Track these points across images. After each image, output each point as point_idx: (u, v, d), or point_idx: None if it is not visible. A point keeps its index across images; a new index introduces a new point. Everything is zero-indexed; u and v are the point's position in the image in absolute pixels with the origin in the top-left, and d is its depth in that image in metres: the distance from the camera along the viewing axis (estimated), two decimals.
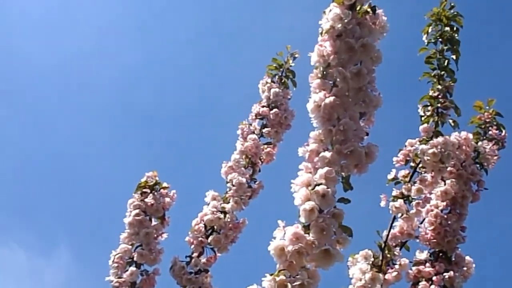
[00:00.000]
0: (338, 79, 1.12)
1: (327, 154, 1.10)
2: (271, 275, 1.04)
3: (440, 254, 1.79)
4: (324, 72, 1.15)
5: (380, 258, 1.67)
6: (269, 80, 2.24)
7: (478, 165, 1.90)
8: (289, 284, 1.02)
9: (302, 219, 1.07)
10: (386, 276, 1.65)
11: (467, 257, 1.82)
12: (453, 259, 1.79)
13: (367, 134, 1.16)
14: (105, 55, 5.15)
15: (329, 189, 1.05)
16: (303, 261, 1.05)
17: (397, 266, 1.68)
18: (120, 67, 5.14)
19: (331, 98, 1.11)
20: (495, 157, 1.92)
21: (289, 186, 1.11)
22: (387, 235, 1.72)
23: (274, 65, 2.26)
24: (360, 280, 1.56)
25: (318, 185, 1.06)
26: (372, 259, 1.62)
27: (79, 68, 5.04)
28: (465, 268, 1.79)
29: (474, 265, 1.82)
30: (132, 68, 5.13)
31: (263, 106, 2.20)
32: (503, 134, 1.97)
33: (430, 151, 1.69)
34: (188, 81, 5.06)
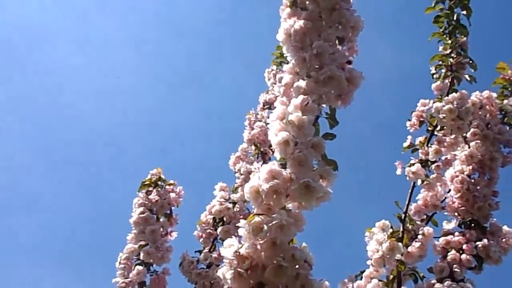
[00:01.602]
0: (307, 1, 1.00)
1: (302, 83, 0.98)
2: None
3: (472, 224, 1.59)
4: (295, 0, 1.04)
5: (401, 230, 1.49)
6: (274, 68, 2.15)
7: (506, 126, 1.71)
8: (265, 226, 0.88)
9: (278, 155, 0.94)
10: (409, 249, 1.47)
11: (505, 227, 1.60)
12: (488, 229, 1.59)
13: (350, 63, 1.03)
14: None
15: (304, 117, 0.93)
16: (282, 201, 0.91)
17: (420, 237, 1.48)
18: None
19: (301, 22, 1.00)
20: None
21: None
22: (407, 205, 1.54)
23: (279, 52, 2.17)
24: (377, 251, 1.39)
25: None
26: (391, 230, 1.44)
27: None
28: (503, 239, 1.58)
29: None
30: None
31: (269, 94, 2.10)
32: None
33: (446, 107, 1.53)
34: (194, 74, 4.95)
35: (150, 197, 1.85)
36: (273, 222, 0.87)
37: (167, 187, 1.91)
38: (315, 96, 0.98)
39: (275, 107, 2.06)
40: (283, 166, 0.94)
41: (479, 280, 1.54)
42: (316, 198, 0.91)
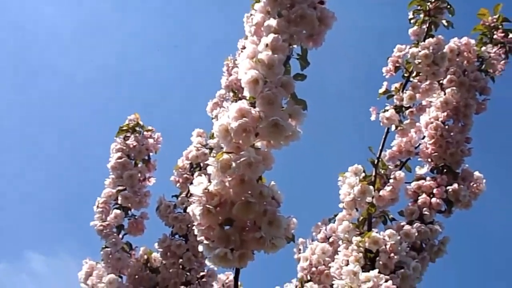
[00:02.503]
0: None
1: (272, 21, 0.97)
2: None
3: (444, 170, 1.62)
4: None
5: (373, 174, 1.51)
6: (254, 12, 2.10)
7: (483, 73, 1.71)
8: (233, 163, 0.89)
9: (247, 93, 0.94)
10: (381, 193, 1.50)
11: (476, 173, 1.64)
12: (460, 174, 1.63)
13: (323, 3, 1.01)
14: None
15: (274, 56, 0.92)
16: (250, 140, 0.91)
17: (392, 181, 1.51)
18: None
19: None
20: (502, 62, 1.73)
21: None
22: (380, 150, 1.56)
23: None
24: (349, 194, 1.42)
25: None
26: (363, 174, 1.47)
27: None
28: (474, 185, 1.62)
29: (484, 181, 1.64)
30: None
31: None
32: (510, 36, 1.77)
33: (421, 53, 1.53)
34: (170, 18, 4.88)
35: (127, 142, 1.85)
36: (241, 160, 0.88)
37: (145, 133, 1.90)
38: (286, 35, 0.96)
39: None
40: (253, 105, 0.94)
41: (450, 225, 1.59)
42: (284, 137, 0.92)
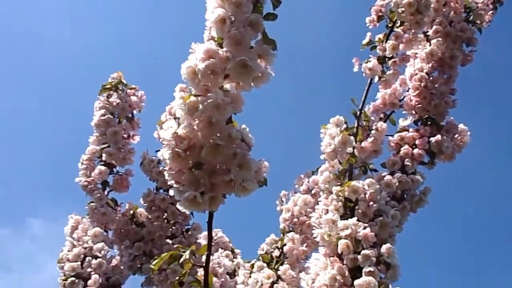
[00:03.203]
0: None
1: None
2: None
3: (428, 122, 1.61)
4: None
5: (355, 126, 1.50)
6: None
7: (470, 24, 1.68)
8: (200, 105, 0.87)
9: (215, 33, 0.91)
10: (363, 144, 1.48)
11: (461, 125, 1.63)
12: (444, 126, 1.61)
13: None
14: None
15: None
16: (218, 81, 0.90)
17: (373, 132, 1.50)
18: None
19: None
20: (490, 13, 1.69)
21: None
22: (363, 102, 1.54)
23: None
24: (330, 145, 1.40)
25: None
26: (345, 126, 1.45)
27: None
28: (458, 137, 1.61)
29: (469, 133, 1.62)
30: None
31: None
32: None
33: (405, 1, 1.48)
34: None
35: (110, 100, 1.83)
36: (208, 101, 0.87)
37: (128, 91, 1.88)
38: None
39: None
40: (221, 45, 0.91)
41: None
42: (254, 78, 0.90)
